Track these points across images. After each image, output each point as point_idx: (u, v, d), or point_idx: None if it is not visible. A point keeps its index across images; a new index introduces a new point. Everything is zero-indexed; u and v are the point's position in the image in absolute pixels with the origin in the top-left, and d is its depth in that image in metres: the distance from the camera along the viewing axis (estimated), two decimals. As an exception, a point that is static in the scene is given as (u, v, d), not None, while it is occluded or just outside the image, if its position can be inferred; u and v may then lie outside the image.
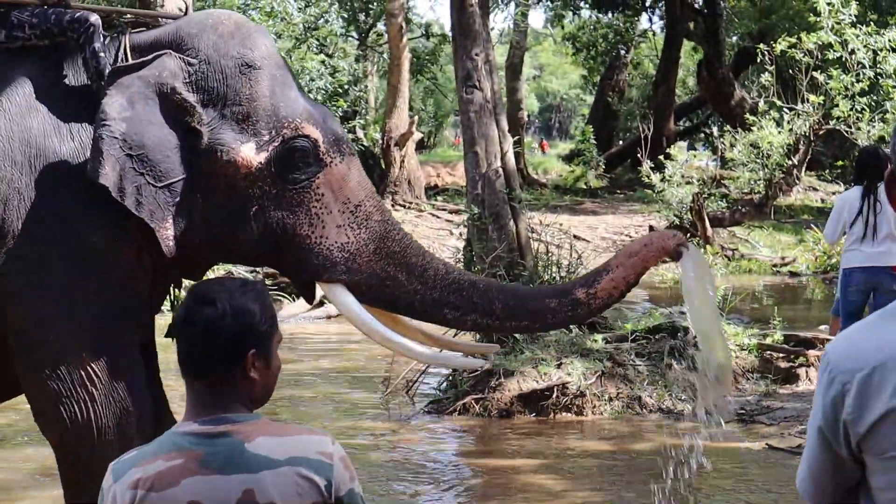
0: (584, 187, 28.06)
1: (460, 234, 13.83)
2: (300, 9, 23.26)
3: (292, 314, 13.50)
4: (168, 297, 5.07)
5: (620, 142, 35.28)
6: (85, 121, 4.64)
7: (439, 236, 21.08)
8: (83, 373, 4.51)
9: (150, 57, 4.64)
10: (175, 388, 4.77)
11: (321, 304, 13.88)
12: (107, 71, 4.65)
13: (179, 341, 2.42)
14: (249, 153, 4.59)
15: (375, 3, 29.54)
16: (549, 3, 30.49)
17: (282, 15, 21.70)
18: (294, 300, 14.44)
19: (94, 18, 4.76)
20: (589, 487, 7.30)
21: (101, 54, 4.69)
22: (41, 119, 4.62)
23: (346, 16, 29.02)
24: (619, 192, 27.87)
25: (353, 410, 9.54)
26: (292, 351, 11.82)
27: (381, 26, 31.48)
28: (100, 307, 4.55)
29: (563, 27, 36.27)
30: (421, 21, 34.60)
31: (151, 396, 4.79)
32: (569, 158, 34.17)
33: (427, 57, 31.94)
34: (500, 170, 10.34)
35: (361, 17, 30.69)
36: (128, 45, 4.76)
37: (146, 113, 4.56)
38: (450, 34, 31.91)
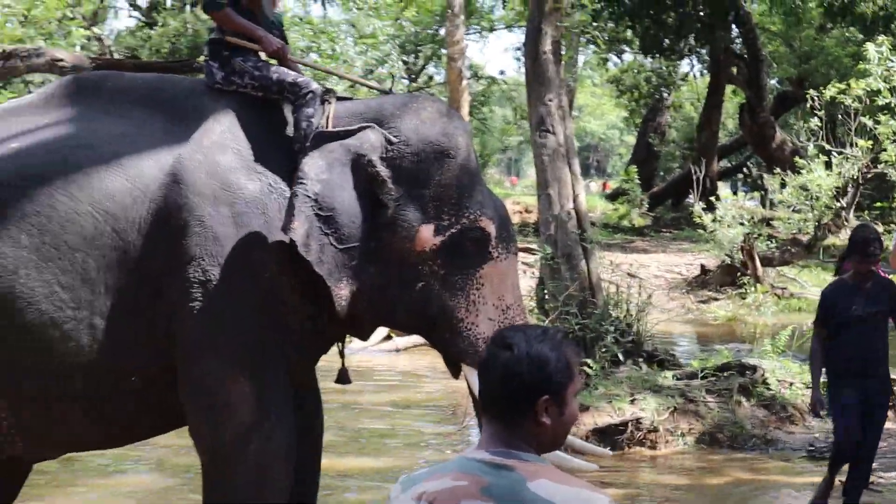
0: (629, 225, 28.39)
1: (532, 273, 14.14)
2: (361, 52, 23.71)
3: (361, 347, 13.78)
4: (338, 347, 5.35)
5: (661, 182, 35.62)
6: (273, 169, 4.95)
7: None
8: (239, 393, 4.77)
9: (355, 127, 4.97)
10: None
11: (389, 337, 14.26)
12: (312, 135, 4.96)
13: (480, 382, 2.54)
14: (428, 234, 4.92)
15: (427, 47, 29.93)
16: (594, 46, 30.93)
17: (343, 58, 22.14)
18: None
19: (315, 87, 5.06)
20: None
21: (313, 120, 5.00)
22: (230, 157, 4.90)
23: (405, 59, 29.42)
24: (664, 230, 28.18)
25: (435, 443, 9.79)
26: (366, 383, 12.12)
27: (430, 69, 31.93)
28: (259, 333, 4.83)
29: (606, 70, 36.70)
30: (470, 62, 35.09)
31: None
32: (612, 197, 34.53)
33: (480, 97, 32.26)
34: (573, 211, 10.70)
35: (411, 58, 31.12)
36: (331, 114, 5.07)
37: (341, 178, 4.85)
38: (498, 77, 32.46)
